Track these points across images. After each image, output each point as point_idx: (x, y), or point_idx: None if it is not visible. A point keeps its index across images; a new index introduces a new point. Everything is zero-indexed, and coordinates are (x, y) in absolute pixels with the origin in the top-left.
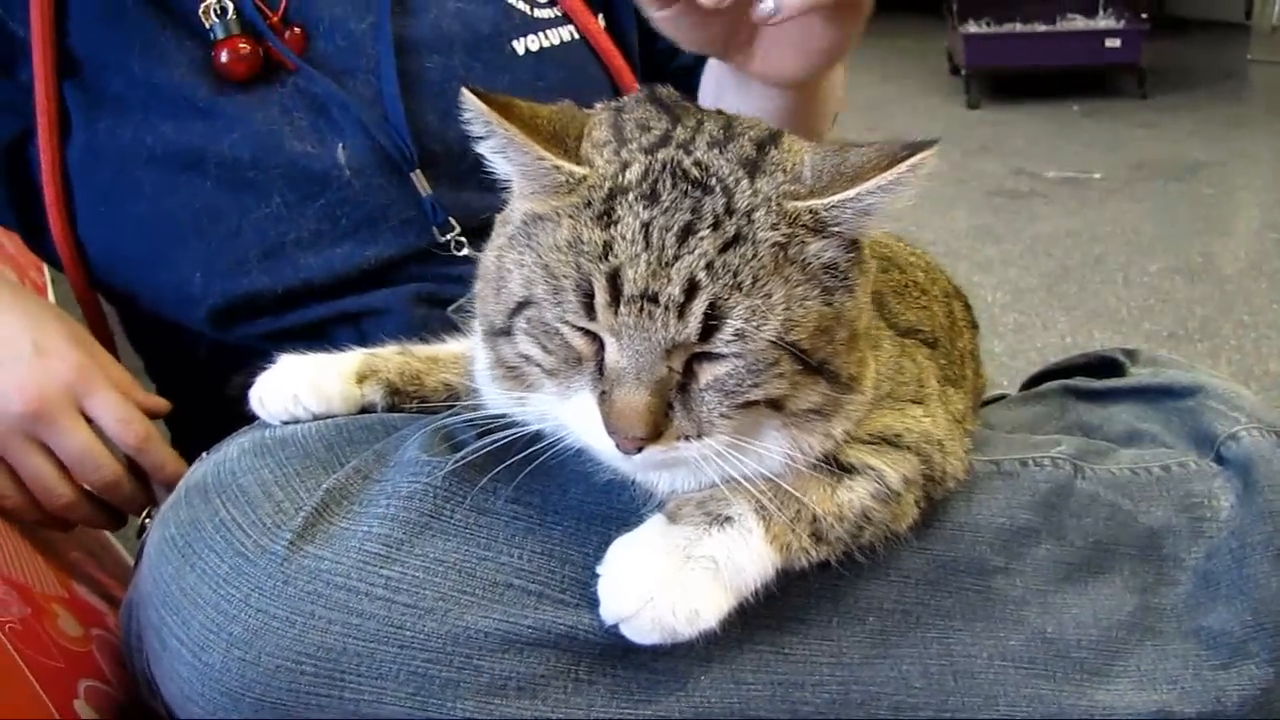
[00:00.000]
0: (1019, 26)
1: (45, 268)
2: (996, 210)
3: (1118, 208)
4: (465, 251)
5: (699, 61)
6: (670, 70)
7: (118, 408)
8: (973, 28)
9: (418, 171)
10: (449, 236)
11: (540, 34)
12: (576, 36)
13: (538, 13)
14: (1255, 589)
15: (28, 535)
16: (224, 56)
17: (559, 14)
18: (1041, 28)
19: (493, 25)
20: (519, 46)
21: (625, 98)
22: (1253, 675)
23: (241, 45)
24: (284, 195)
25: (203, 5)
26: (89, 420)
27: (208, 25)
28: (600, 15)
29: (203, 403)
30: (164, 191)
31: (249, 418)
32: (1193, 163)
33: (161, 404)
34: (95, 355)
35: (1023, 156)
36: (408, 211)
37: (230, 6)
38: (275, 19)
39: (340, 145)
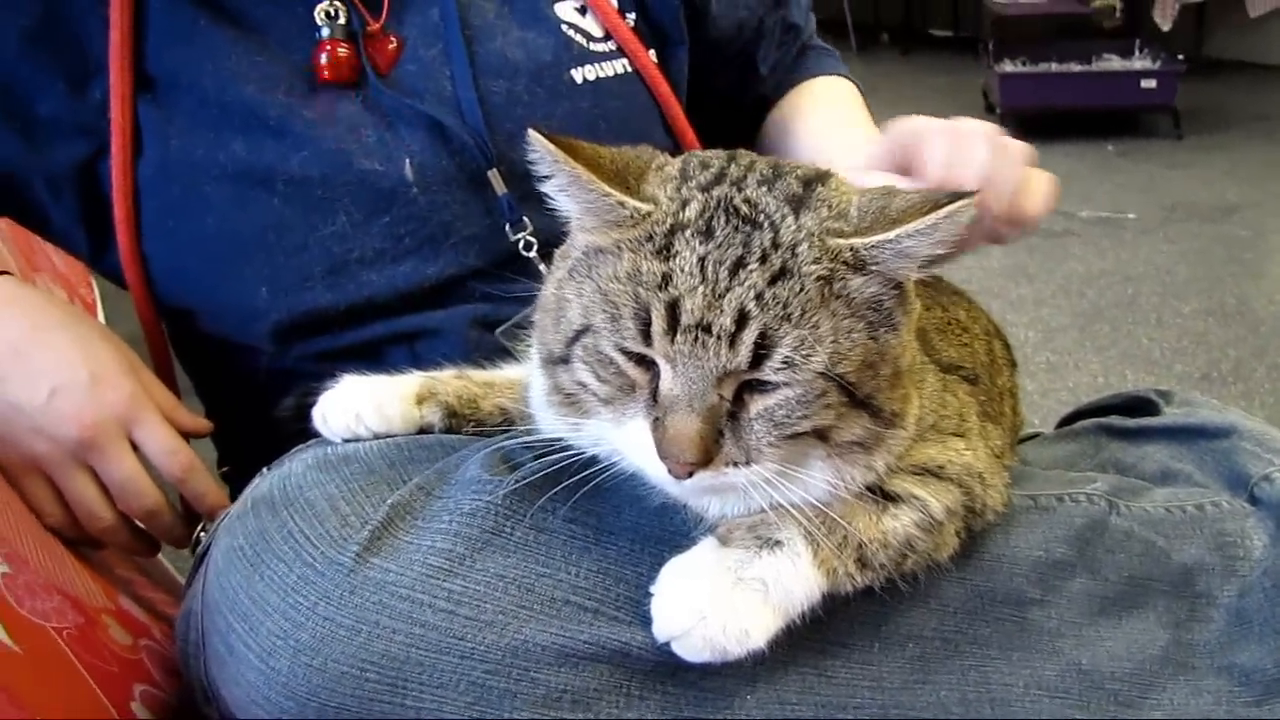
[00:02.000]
0: (1054, 66)
1: (94, 284)
2: (1030, 249)
3: (1151, 248)
4: (533, 253)
5: (755, 120)
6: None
7: (165, 439)
8: (1008, 67)
9: (494, 171)
10: (520, 235)
11: (597, 65)
12: (630, 70)
13: (594, 45)
14: None
15: (74, 550)
16: (323, 58)
17: (614, 48)
18: (1077, 68)
19: (553, 54)
20: (577, 76)
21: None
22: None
23: (341, 49)
24: (350, 213)
25: (319, 6)
26: (135, 447)
27: (319, 24)
28: (652, 50)
29: (251, 423)
30: (233, 208)
31: (296, 438)
32: (1227, 205)
33: (204, 425)
34: (145, 381)
35: (1057, 196)
36: (470, 228)
37: (341, 9)
38: (376, 27)
39: (407, 161)
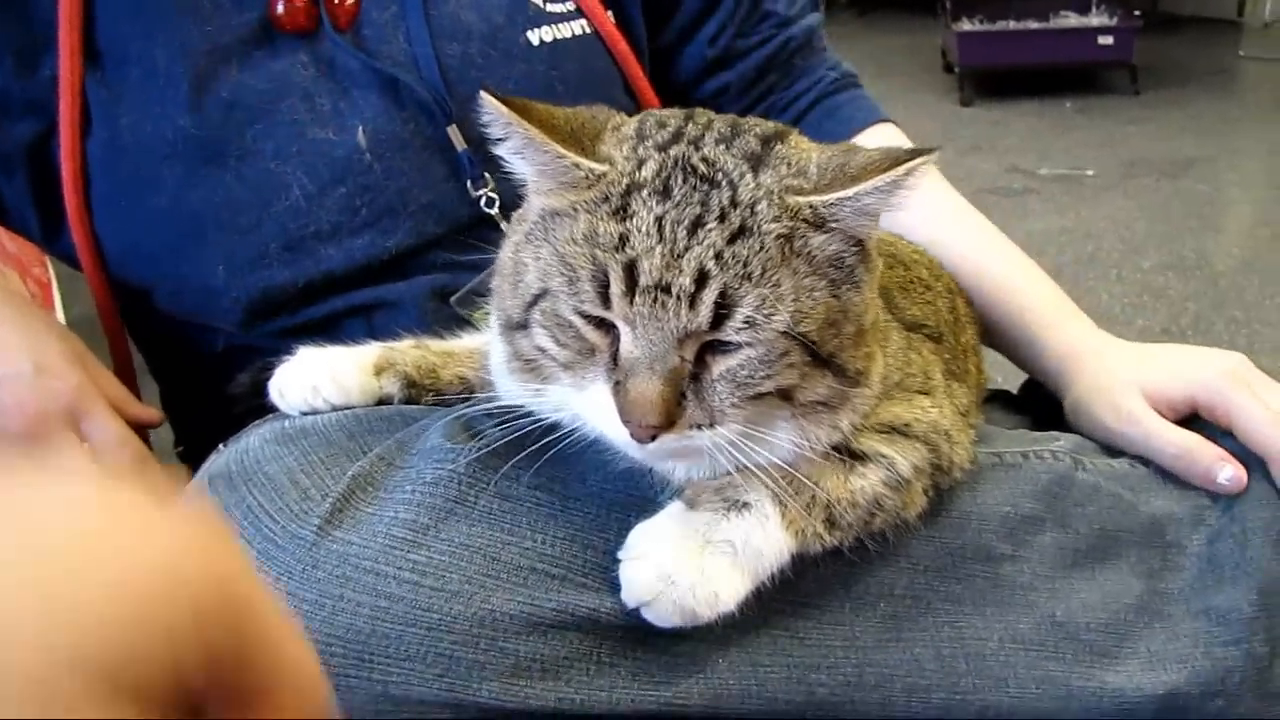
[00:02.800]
0: (1012, 24)
1: (49, 264)
2: (989, 208)
3: (1111, 205)
4: (495, 210)
5: (704, 70)
6: (684, 86)
7: (114, 430)
8: (966, 25)
9: (453, 126)
10: (482, 192)
11: (553, 26)
12: (589, 31)
13: (550, 6)
14: (1259, 571)
15: None
16: (280, 7)
17: (571, 8)
18: (1034, 25)
19: (506, 16)
20: (533, 38)
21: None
22: (1253, 653)
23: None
24: (303, 186)
25: None
26: (84, 439)
27: None
28: (610, 11)
29: (208, 402)
30: (184, 185)
31: (252, 414)
32: (1185, 159)
33: (154, 416)
34: (93, 372)
35: (1016, 154)
36: (428, 194)
37: None
38: None
39: (360, 128)
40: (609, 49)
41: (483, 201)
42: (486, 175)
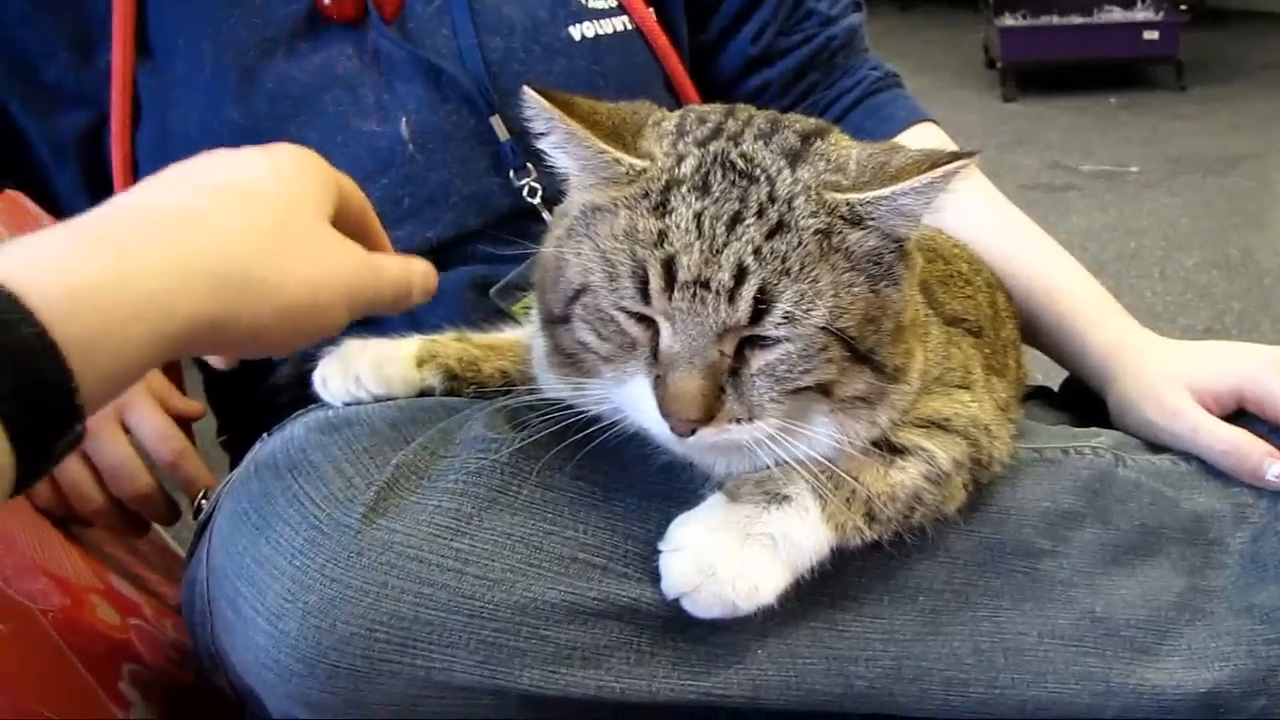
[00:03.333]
0: (1055, 19)
1: None
2: (1031, 204)
3: (1154, 201)
4: (538, 200)
5: (745, 68)
6: (726, 83)
7: (158, 423)
8: (1009, 20)
9: (496, 117)
10: (525, 181)
11: (595, 22)
12: (630, 27)
13: (592, 3)
14: None
15: (62, 529)
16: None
17: (614, 5)
18: (1078, 20)
19: (549, 11)
20: (575, 33)
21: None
22: None
23: None
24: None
25: None
26: (128, 430)
27: None
28: (651, 8)
29: (250, 391)
30: None
31: (294, 404)
32: (1231, 156)
33: (197, 409)
34: None
35: (1058, 150)
36: (470, 186)
37: None
38: None
39: (404, 120)
40: (650, 45)
41: (525, 191)
42: (529, 166)
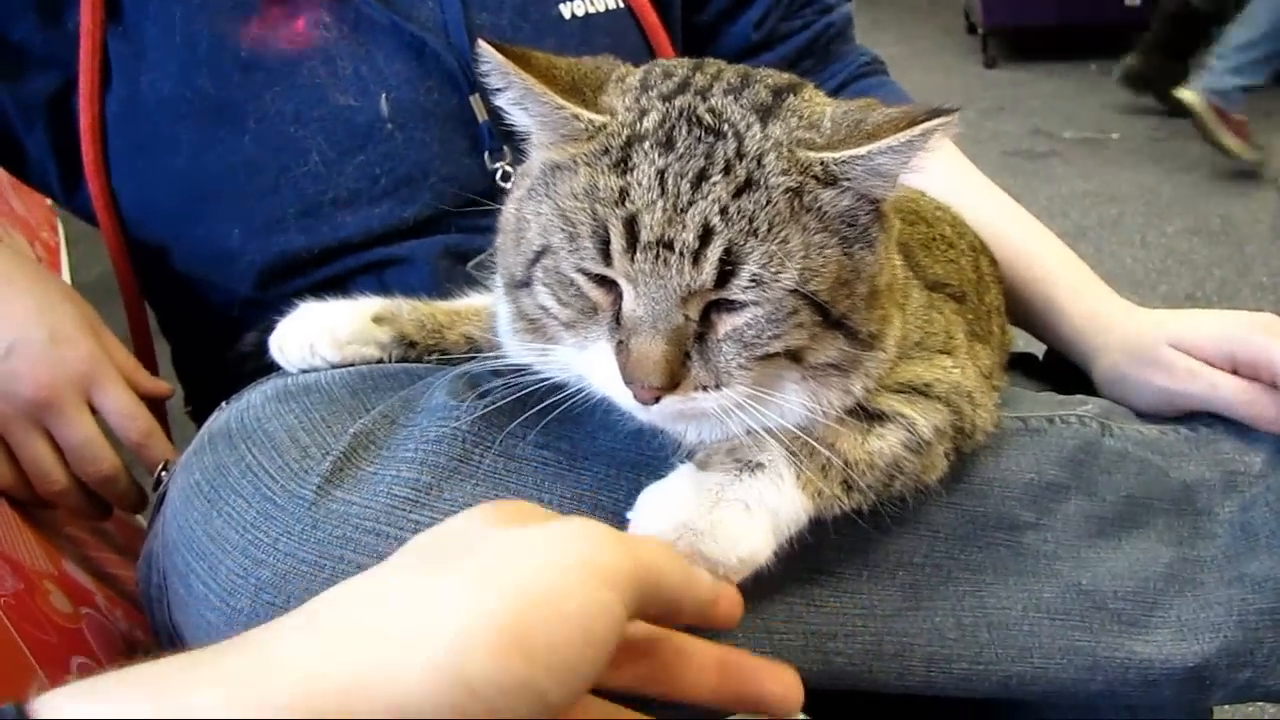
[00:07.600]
0: None
1: (59, 227)
2: (1013, 171)
3: (1135, 169)
4: (509, 184)
5: (744, 52)
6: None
7: (125, 402)
8: None
9: (476, 96)
10: (499, 165)
11: (586, 1)
12: (621, 5)
13: None
14: None
15: (19, 510)
16: None
17: None
18: None
19: None
20: (565, 11)
21: None
22: None
23: None
24: (323, 153)
25: None
26: (94, 410)
27: None
28: None
29: (218, 362)
30: (201, 146)
31: (260, 373)
32: None
33: (166, 389)
34: (105, 341)
35: (1040, 116)
36: (448, 167)
37: None
38: None
39: (383, 95)
40: (641, 25)
41: (498, 175)
42: (505, 149)
